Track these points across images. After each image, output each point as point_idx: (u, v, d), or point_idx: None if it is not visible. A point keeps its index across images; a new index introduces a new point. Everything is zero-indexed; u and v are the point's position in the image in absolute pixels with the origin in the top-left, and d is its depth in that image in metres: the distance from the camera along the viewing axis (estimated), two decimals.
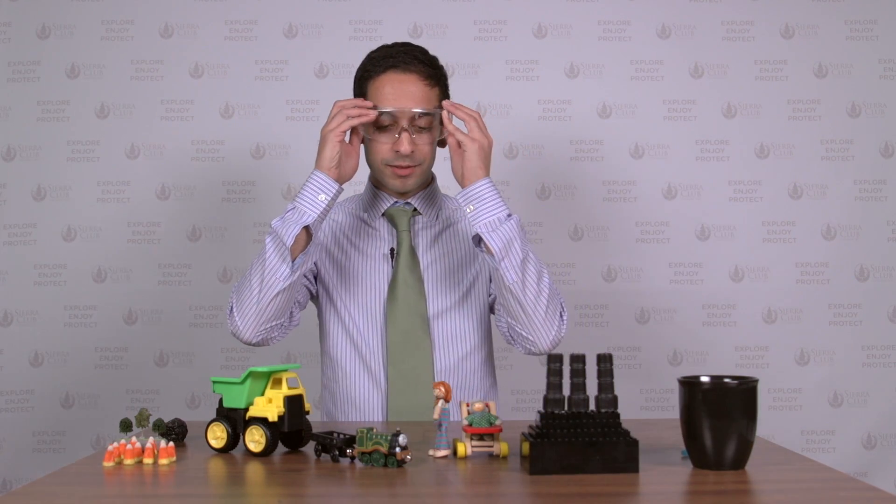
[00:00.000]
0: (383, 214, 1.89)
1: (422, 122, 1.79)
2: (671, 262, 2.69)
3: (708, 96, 2.70)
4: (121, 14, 2.68)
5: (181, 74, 2.68)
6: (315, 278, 1.91)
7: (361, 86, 1.85)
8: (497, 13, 2.70)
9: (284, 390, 1.41)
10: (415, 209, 1.89)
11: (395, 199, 1.89)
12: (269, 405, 1.40)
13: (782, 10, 2.71)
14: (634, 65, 2.71)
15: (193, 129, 2.67)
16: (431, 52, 1.86)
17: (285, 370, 1.43)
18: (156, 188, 2.67)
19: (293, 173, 2.67)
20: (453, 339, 1.86)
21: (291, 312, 1.83)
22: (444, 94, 1.86)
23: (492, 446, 1.36)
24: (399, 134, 1.78)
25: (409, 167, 1.81)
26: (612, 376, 1.29)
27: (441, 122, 1.80)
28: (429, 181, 1.93)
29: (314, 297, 1.93)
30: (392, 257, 1.86)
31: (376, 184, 1.91)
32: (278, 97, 2.68)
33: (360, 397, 1.85)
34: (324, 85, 2.69)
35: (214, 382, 1.46)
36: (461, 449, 1.35)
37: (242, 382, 1.42)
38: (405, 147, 1.77)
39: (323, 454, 1.38)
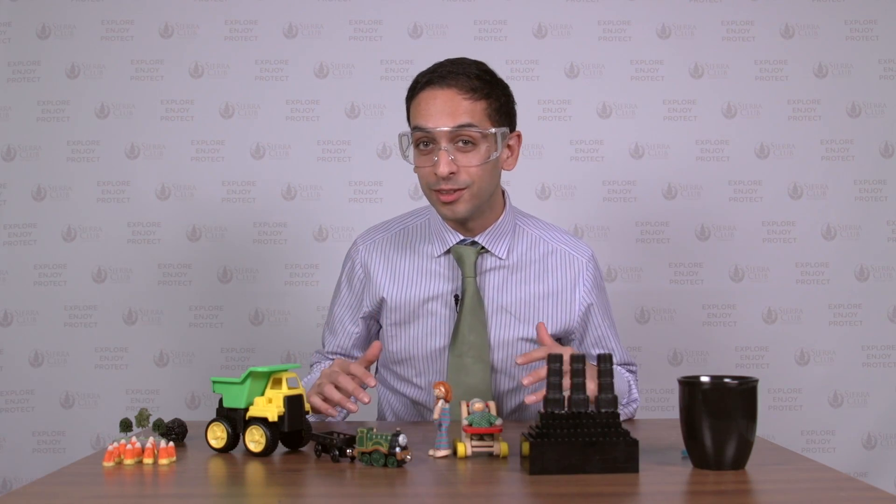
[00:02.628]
0: (448, 251, 1.77)
1: (465, 138, 1.64)
2: (671, 262, 2.69)
3: (708, 96, 2.70)
4: (121, 14, 2.68)
5: (181, 74, 2.68)
6: (373, 315, 1.85)
7: (407, 108, 1.74)
8: (497, 13, 2.70)
9: (284, 390, 1.41)
10: (482, 247, 1.76)
11: (463, 237, 1.76)
12: (269, 405, 1.40)
13: (782, 10, 2.71)
14: (634, 65, 2.71)
15: (193, 129, 2.67)
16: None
17: (285, 370, 1.43)
18: (156, 188, 2.67)
19: (293, 173, 2.67)
20: (516, 393, 1.79)
21: None
22: (502, 108, 1.70)
23: (492, 446, 1.36)
24: (437, 155, 1.64)
25: (453, 191, 1.66)
26: (612, 376, 1.29)
27: (497, 141, 1.67)
28: (497, 213, 1.78)
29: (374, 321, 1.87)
30: (456, 303, 1.75)
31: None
32: (278, 97, 2.68)
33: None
34: (324, 85, 2.68)
35: (214, 382, 1.46)
36: (461, 449, 1.35)
37: (242, 382, 1.42)
38: (441, 169, 1.62)
39: (323, 454, 1.38)
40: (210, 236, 2.67)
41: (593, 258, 1.85)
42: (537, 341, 1.65)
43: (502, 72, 1.85)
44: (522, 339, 1.77)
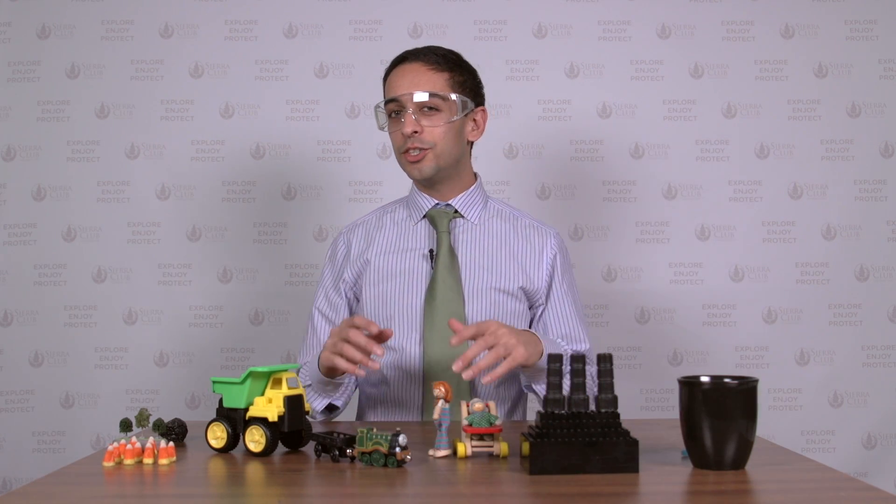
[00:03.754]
0: (424, 216, 1.90)
1: (428, 105, 1.80)
2: (671, 262, 2.69)
3: (708, 96, 2.70)
4: (121, 14, 2.68)
5: (181, 74, 2.68)
6: (353, 288, 1.92)
7: (383, 87, 1.91)
8: (497, 13, 2.70)
9: (284, 390, 1.41)
10: (455, 211, 1.89)
11: (437, 201, 1.89)
12: (269, 405, 1.40)
13: (782, 10, 2.71)
14: (634, 65, 2.71)
15: (193, 129, 2.67)
16: None
17: (285, 370, 1.43)
18: (156, 188, 2.67)
19: (293, 173, 2.68)
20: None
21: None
22: (466, 83, 1.86)
23: (492, 446, 1.36)
24: (404, 117, 1.80)
25: (419, 150, 1.81)
26: (612, 376, 1.29)
27: (464, 111, 1.83)
28: (469, 182, 1.92)
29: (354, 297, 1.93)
30: (431, 258, 1.85)
31: (417, 185, 1.92)
32: (278, 97, 2.68)
33: (396, 398, 1.82)
34: (324, 85, 2.69)
35: (214, 382, 1.46)
36: (461, 449, 1.35)
37: (242, 382, 1.42)
38: (407, 128, 1.79)
39: (323, 454, 1.38)
40: (210, 236, 2.67)
41: (560, 236, 1.96)
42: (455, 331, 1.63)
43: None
44: (495, 288, 1.84)
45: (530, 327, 1.91)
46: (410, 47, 1.90)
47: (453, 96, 1.82)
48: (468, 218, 1.89)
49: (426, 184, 1.88)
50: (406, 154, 1.83)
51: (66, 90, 2.66)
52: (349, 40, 2.69)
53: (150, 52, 2.68)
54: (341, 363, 1.59)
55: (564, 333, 1.89)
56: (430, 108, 1.81)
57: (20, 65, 2.67)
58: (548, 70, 2.70)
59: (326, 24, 2.69)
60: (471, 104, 1.85)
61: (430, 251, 1.85)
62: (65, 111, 2.67)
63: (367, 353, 1.57)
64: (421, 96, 1.80)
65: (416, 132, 1.80)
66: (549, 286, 1.90)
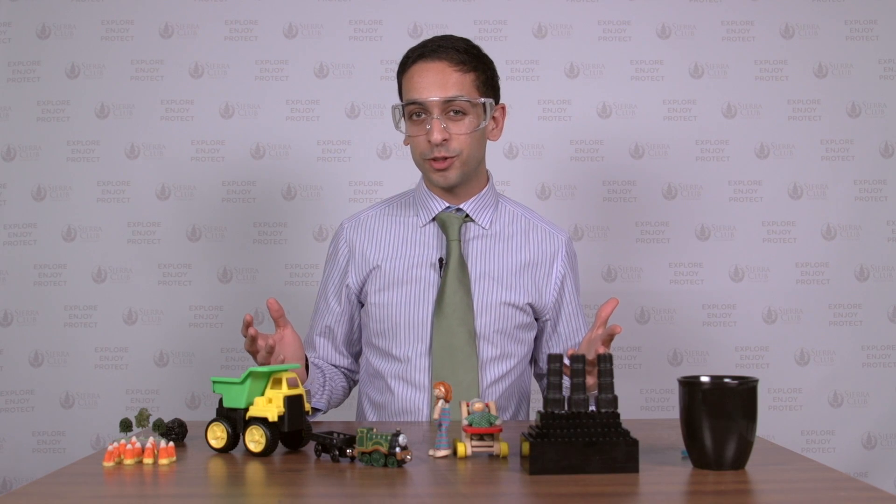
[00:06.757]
0: (433, 219, 1.83)
1: (456, 108, 1.73)
2: (671, 262, 2.69)
3: (708, 96, 2.70)
4: (121, 14, 2.68)
5: (181, 74, 2.68)
6: (358, 295, 1.87)
7: (398, 82, 1.81)
8: (497, 13, 2.71)
9: (284, 390, 1.41)
10: (467, 215, 1.82)
11: (448, 204, 1.82)
12: (269, 405, 1.40)
13: (782, 10, 2.71)
14: (634, 65, 2.71)
15: (193, 129, 2.67)
16: None
17: (285, 370, 1.43)
18: (156, 188, 2.67)
19: (293, 173, 2.68)
20: (501, 358, 1.80)
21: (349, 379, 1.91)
22: (488, 81, 1.79)
23: (492, 446, 1.36)
24: (430, 124, 1.72)
25: (445, 158, 1.74)
26: (612, 376, 1.29)
27: (485, 111, 1.76)
28: (482, 184, 1.85)
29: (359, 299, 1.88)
30: (440, 267, 1.79)
31: (427, 184, 1.84)
32: (278, 97, 2.68)
33: (401, 408, 1.79)
34: (324, 85, 2.69)
35: (214, 382, 1.46)
36: (461, 449, 1.35)
37: (242, 382, 1.42)
38: (435, 136, 1.70)
39: (323, 454, 1.38)
40: (210, 236, 2.67)
41: (571, 241, 1.93)
42: (600, 315, 1.68)
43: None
44: (505, 303, 1.80)
45: (537, 338, 1.90)
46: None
47: (481, 100, 1.75)
48: (480, 223, 1.83)
49: (447, 186, 1.80)
50: (432, 161, 1.75)
51: (66, 90, 2.66)
52: (349, 40, 2.69)
53: (150, 52, 2.68)
54: (261, 359, 1.59)
55: (576, 344, 1.89)
56: (457, 112, 1.73)
57: (20, 65, 2.67)
58: (548, 70, 2.70)
59: (326, 24, 2.69)
60: (493, 104, 1.78)
61: (440, 260, 1.79)
62: (65, 111, 2.67)
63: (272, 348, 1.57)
64: (450, 102, 1.71)
65: (445, 140, 1.72)
66: (560, 301, 1.87)
